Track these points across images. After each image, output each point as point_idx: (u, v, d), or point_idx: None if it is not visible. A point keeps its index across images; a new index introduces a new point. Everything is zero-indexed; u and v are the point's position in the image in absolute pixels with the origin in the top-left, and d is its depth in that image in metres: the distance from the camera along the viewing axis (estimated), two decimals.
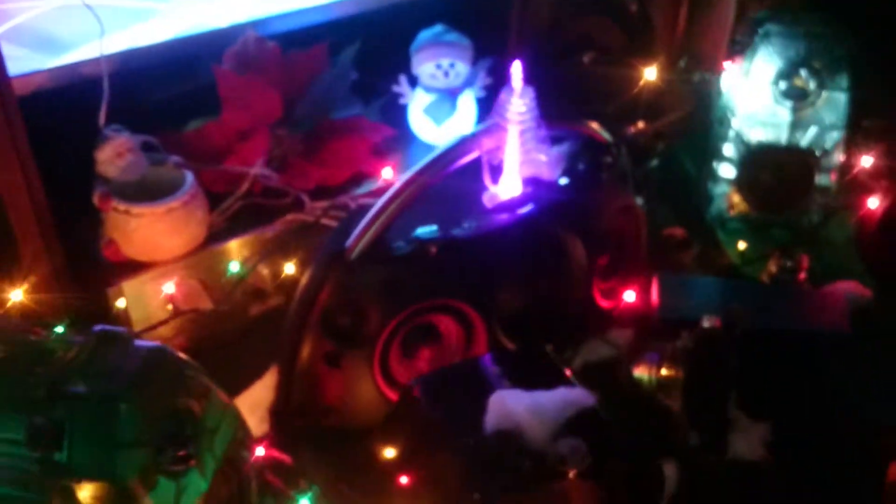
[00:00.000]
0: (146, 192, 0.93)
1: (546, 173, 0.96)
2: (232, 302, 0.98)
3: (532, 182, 0.95)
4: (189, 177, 0.94)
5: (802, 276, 1.13)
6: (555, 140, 0.99)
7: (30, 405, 0.62)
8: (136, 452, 0.63)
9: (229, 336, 1.02)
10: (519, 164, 0.93)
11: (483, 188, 0.96)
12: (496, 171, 0.94)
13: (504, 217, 0.93)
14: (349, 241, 0.87)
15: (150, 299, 0.94)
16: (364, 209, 0.93)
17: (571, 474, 0.72)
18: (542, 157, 0.92)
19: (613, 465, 0.75)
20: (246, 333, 1.03)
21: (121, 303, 0.90)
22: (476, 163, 0.94)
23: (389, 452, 0.81)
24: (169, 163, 0.95)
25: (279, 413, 0.91)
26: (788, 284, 1.13)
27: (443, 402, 0.80)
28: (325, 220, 0.99)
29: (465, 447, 0.75)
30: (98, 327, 0.68)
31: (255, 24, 1.12)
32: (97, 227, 0.95)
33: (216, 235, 0.98)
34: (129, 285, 0.92)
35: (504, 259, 0.93)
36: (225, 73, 1.03)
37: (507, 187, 0.94)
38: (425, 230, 0.90)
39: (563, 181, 0.98)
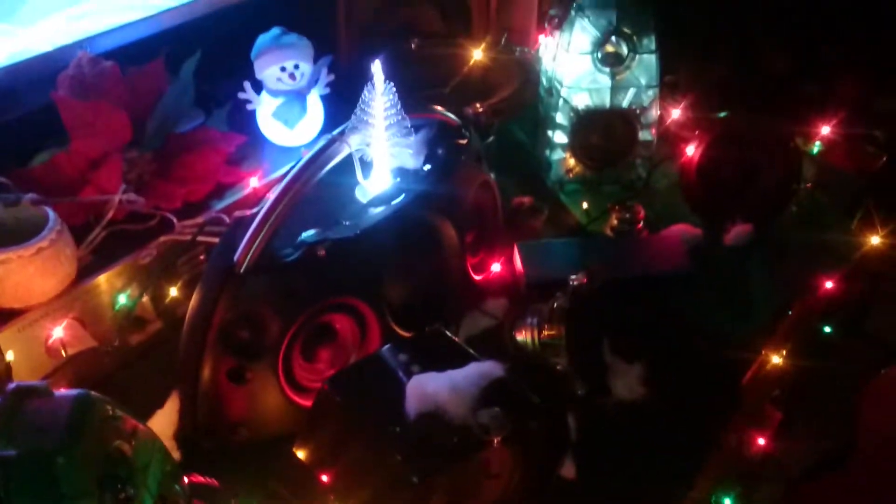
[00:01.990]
0: (5, 235, 0.88)
1: (411, 162, 0.99)
2: (115, 336, 0.95)
3: (400, 172, 0.99)
4: (51, 213, 0.90)
5: (640, 225, 1.25)
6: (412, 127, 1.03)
7: None
8: None
9: (111, 369, 0.99)
10: (387, 157, 0.96)
11: (354, 183, 0.99)
12: (366, 166, 0.97)
13: (380, 210, 0.96)
14: (237, 255, 0.87)
15: (30, 347, 0.89)
16: (242, 221, 0.93)
17: (495, 441, 0.78)
18: (408, 150, 0.95)
19: (530, 426, 0.81)
20: (129, 364, 1.01)
21: (9, 356, 0.85)
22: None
23: (316, 454, 0.83)
24: (24, 201, 0.91)
25: (187, 438, 0.90)
26: (630, 235, 1.25)
27: (360, 398, 0.83)
28: (202, 238, 0.98)
29: (391, 436, 0.78)
30: (12, 385, 0.65)
31: (83, 43, 1.08)
32: None
33: (86, 269, 0.95)
34: (4, 336, 0.87)
35: (387, 251, 0.96)
36: (67, 101, 0.99)
37: (378, 181, 0.97)
38: (310, 234, 0.91)
39: (427, 167, 1.02)
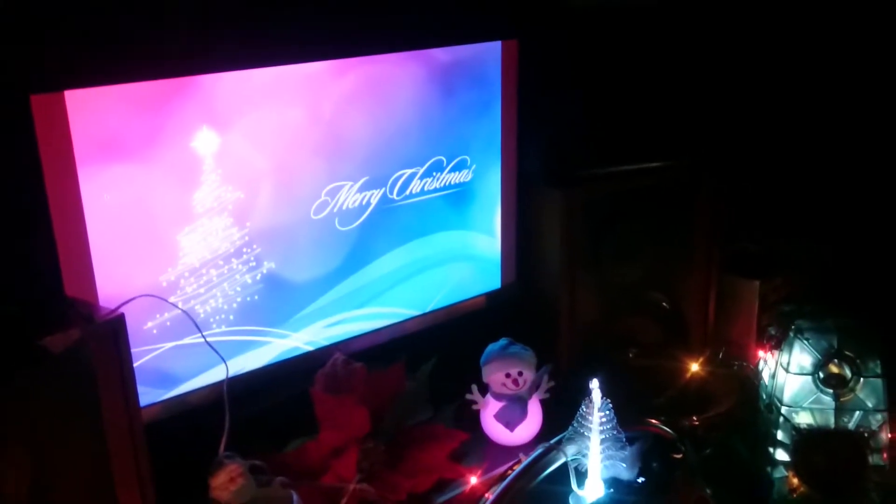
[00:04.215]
0: None
1: (625, 474, 1.02)
2: None
3: (614, 483, 1.02)
4: (295, 496, 1.01)
5: None
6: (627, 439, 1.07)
7: None
8: None
9: None
10: (601, 468, 1.00)
11: (568, 491, 1.03)
12: (580, 476, 1.01)
13: None
14: None
15: None
16: None
17: None
18: (622, 462, 0.99)
19: None
20: None
21: None
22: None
23: None
24: (275, 483, 1.02)
25: None
26: None
27: None
28: None
29: None
30: None
31: (338, 346, 1.25)
32: None
33: None
34: None
35: None
36: (321, 396, 1.13)
37: (591, 490, 1.00)
38: None
39: (641, 480, 1.04)
